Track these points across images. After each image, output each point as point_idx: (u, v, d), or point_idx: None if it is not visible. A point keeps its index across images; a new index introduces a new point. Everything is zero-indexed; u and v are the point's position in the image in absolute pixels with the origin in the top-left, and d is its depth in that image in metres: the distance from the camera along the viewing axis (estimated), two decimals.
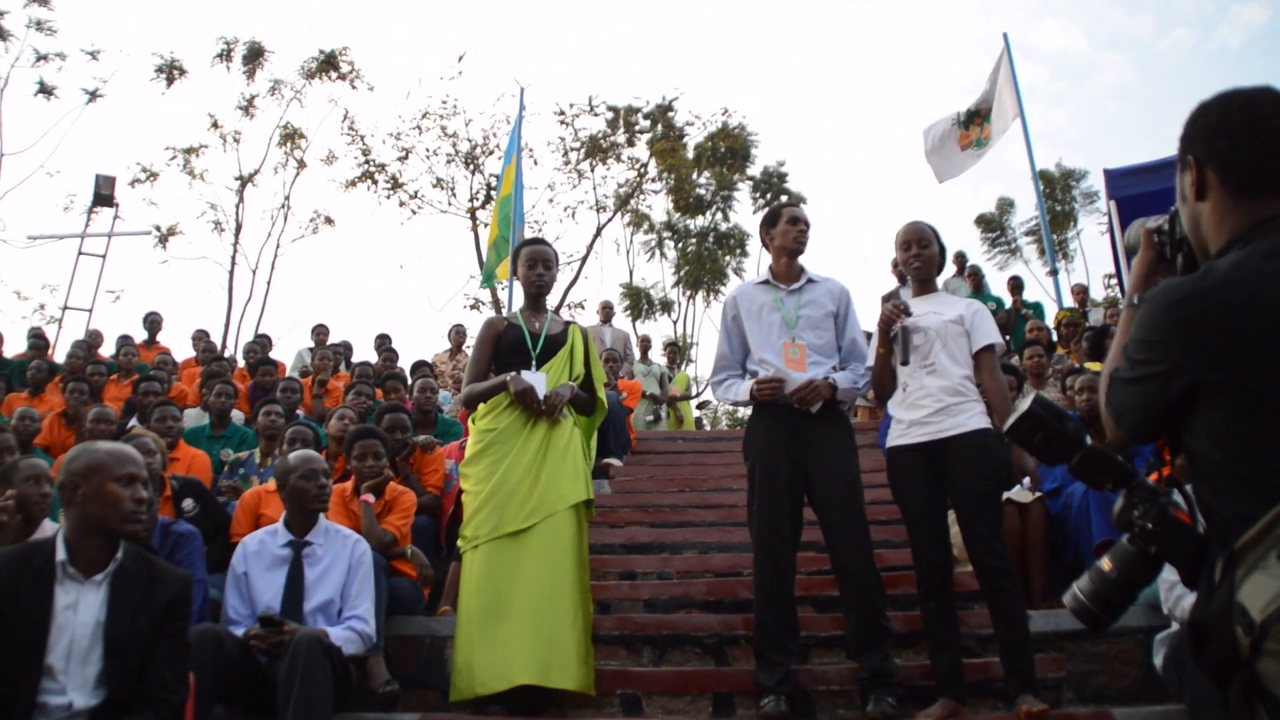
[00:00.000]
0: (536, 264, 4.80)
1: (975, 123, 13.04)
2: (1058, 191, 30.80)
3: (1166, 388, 1.63)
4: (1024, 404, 1.91)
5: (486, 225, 21.04)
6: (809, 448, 4.37)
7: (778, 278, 4.68)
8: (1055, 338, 10.18)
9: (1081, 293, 13.10)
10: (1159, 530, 1.70)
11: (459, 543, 4.51)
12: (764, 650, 4.33)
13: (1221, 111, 1.72)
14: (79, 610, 2.98)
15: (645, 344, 13.64)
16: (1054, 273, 13.24)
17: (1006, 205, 31.67)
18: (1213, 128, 1.72)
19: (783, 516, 4.36)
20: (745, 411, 4.63)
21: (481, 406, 4.62)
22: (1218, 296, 1.58)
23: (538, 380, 4.53)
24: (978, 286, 12.04)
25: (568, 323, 4.91)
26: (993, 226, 31.80)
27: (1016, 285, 12.02)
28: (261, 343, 12.12)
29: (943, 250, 4.56)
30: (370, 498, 5.09)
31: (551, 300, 5.93)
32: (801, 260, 4.73)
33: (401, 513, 5.26)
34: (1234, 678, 1.50)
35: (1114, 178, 10.38)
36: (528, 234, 18.29)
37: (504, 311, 16.10)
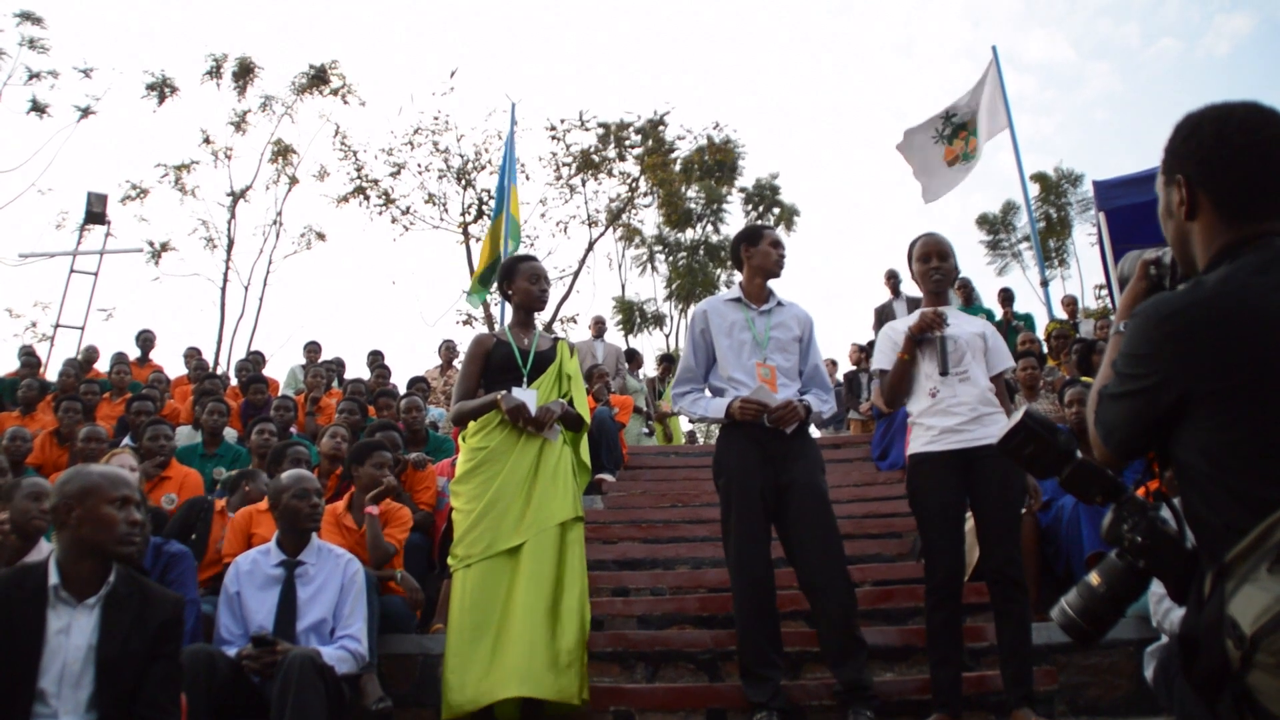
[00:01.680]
0: (540, 279, 4.82)
1: (960, 136, 13.08)
2: (1054, 196, 30.89)
3: (1156, 400, 1.63)
4: (1016, 417, 1.92)
5: (478, 240, 21.07)
6: (780, 465, 4.38)
7: (749, 297, 4.70)
8: (1045, 349, 10.21)
9: (1071, 304, 13.13)
10: (1148, 544, 1.70)
11: (449, 561, 4.50)
12: (751, 666, 4.32)
13: (1216, 134, 1.71)
14: (71, 634, 2.98)
15: (636, 358, 13.63)
16: (1045, 283, 13.27)
17: (1012, 208, 31.72)
18: (1208, 151, 1.71)
19: (760, 533, 4.36)
20: None
21: (472, 424, 4.61)
22: (1208, 309, 1.59)
23: (529, 397, 4.53)
24: (968, 298, 12.07)
25: (556, 339, 4.92)
26: (995, 228, 31.85)
27: (1007, 297, 12.05)
28: (254, 359, 12.09)
29: (955, 267, 4.59)
30: (374, 510, 5.11)
31: (544, 316, 5.95)
32: (772, 281, 4.76)
33: (399, 525, 5.32)
34: (1224, 691, 1.51)
35: (1103, 189, 10.45)
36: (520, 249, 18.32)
37: (496, 328, 16.11)
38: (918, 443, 4.35)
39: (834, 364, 13.89)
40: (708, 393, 4.67)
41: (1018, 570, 4.13)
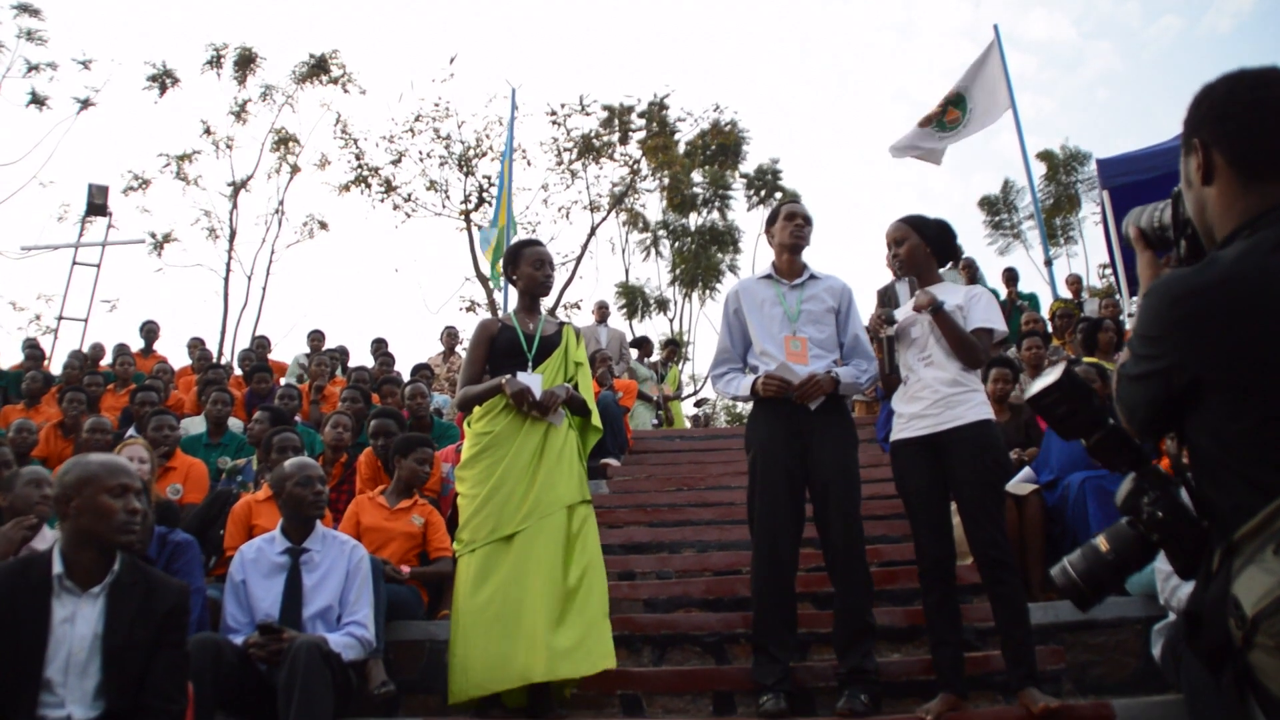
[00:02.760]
0: (544, 264, 4.81)
1: (941, 106, 13.02)
2: (1062, 174, 30.70)
3: (1169, 383, 1.60)
4: (1054, 373, 1.85)
5: (480, 227, 21.07)
6: (810, 441, 4.38)
7: (780, 273, 4.70)
8: (1049, 329, 10.18)
9: (1076, 283, 13.10)
10: (1167, 519, 1.67)
11: (455, 546, 4.51)
12: (764, 645, 4.33)
13: (1229, 92, 1.67)
14: (76, 623, 2.98)
15: (646, 345, 13.64)
16: (1049, 263, 13.24)
17: (1012, 188, 31.52)
18: (1220, 108, 1.68)
19: (783, 510, 4.36)
20: (745, 408, 4.66)
21: (477, 409, 4.62)
22: (1220, 293, 1.54)
23: (534, 382, 4.53)
24: (972, 278, 12.02)
25: (562, 324, 4.92)
26: (996, 209, 31.67)
27: (1011, 277, 12.02)
28: (261, 343, 12.11)
29: (935, 235, 4.46)
30: (405, 570, 5.16)
31: (548, 301, 5.95)
32: (805, 257, 4.74)
33: (441, 531, 5.43)
34: (1226, 667, 1.51)
35: (1107, 167, 10.40)
36: (521, 235, 18.33)
37: (499, 313, 16.13)
38: (895, 430, 4.38)
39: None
40: (748, 371, 4.68)
41: (1002, 551, 4.10)
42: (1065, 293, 12.58)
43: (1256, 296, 1.52)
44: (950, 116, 12.98)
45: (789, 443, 4.39)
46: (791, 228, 4.66)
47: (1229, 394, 1.54)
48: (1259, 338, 1.51)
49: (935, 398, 4.22)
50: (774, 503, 4.37)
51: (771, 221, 4.76)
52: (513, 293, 4.93)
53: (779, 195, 29.19)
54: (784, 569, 4.38)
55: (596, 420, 4.81)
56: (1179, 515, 1.67)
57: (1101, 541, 1.79)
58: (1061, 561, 1.84)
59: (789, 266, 4.70)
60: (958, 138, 12.96)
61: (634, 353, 13.17)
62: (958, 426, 4.17)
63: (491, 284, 13.98)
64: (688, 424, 14.72)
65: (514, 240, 9.99)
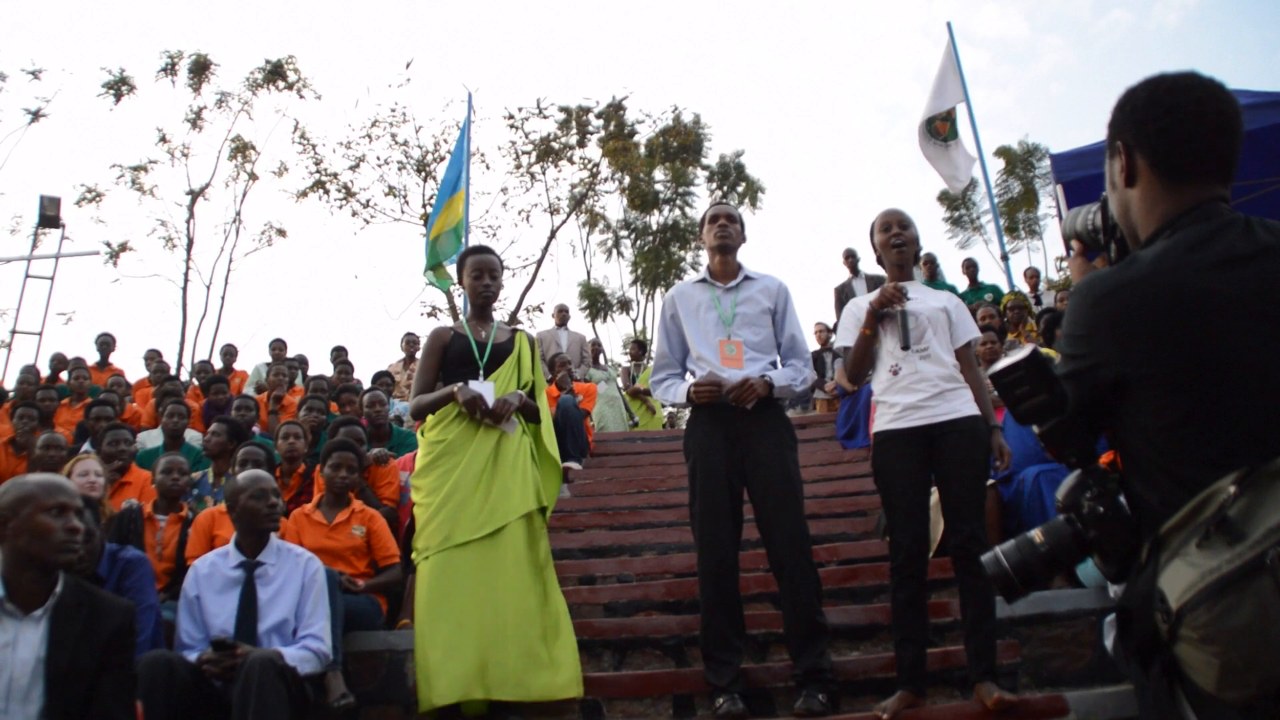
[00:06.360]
0: (483, 274, 4.78)
1: (939, 126, 13.18)
2: (1020, 169, 31.00)
3: (1096, 381, 1.64)
4: (1021, 353, 1.78)
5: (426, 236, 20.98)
6: (746, 445, 4.38)
7: (715, 276, 4.71)
8: (1003, 322, 10.25)
9: (1033, 276, 13.21)
10: (1107, 516, 1.68)
11: (412, 555, 4.49)
12: (712, 650, 4.34)
13: (1149, 97, 1.72)
14: (18, 647, 2.94)
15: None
16: (1005, 257, 13.34)
17: (969, 184, 31.78)
18: (1140, 113, 1.72)
19: (724, 515, 4.37)
20: None
21: (430, 418, 4.60)
22: (1141, 290, 1.59)
23: (486, 389, 4.52)
24: (932, 274, 12.10)
25: (514, 330, 4.90)
26: (955, 204, 31.91)
27: (972, 268, 12.09)
28: (228, 351, 12.02)
29: (917, 238, 4.50)
30: (361, 584, 5.12)
31: (509, 305, 5.92)
32: (743, 256, 4.75)
33: (385, 536, 5.36)
34: (1154, 659, 1.53)
35: (1060, 161, 10.48)
36: (480, 240, 18.27)
37: (461, 318, 16.09)
38: (881, 420, 4.32)
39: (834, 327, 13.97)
40: (689, 376, 4.67)
41: (983, 546, 4.06)
42: (1023, 286, 12.68)
43: (1172, 294, 1.56)
44: (943, 130, 13.16)
45: (726, 448, 4.39)
46: (716, 229, 4.67)
47: (1153, 391, 1.57)
48: (1178, 335, 1.54)
49: (934, 391, 4.20)
50: (716, 509, 4.37)
51: (702, 225, 4.78)
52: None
53: (742, 187, 29.30)
54: (730, 574, 4.39)
55: (542, 402, 4.81)
56: (1118, 514, 1.69)
57: (1036, 534, 1.79)
58: (994, 550, 1.83)
59: (722, 268, 4.70)
60: (954, 143, 13.16)
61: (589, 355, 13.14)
62: (955, 419, 4.17)
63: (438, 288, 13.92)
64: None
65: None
